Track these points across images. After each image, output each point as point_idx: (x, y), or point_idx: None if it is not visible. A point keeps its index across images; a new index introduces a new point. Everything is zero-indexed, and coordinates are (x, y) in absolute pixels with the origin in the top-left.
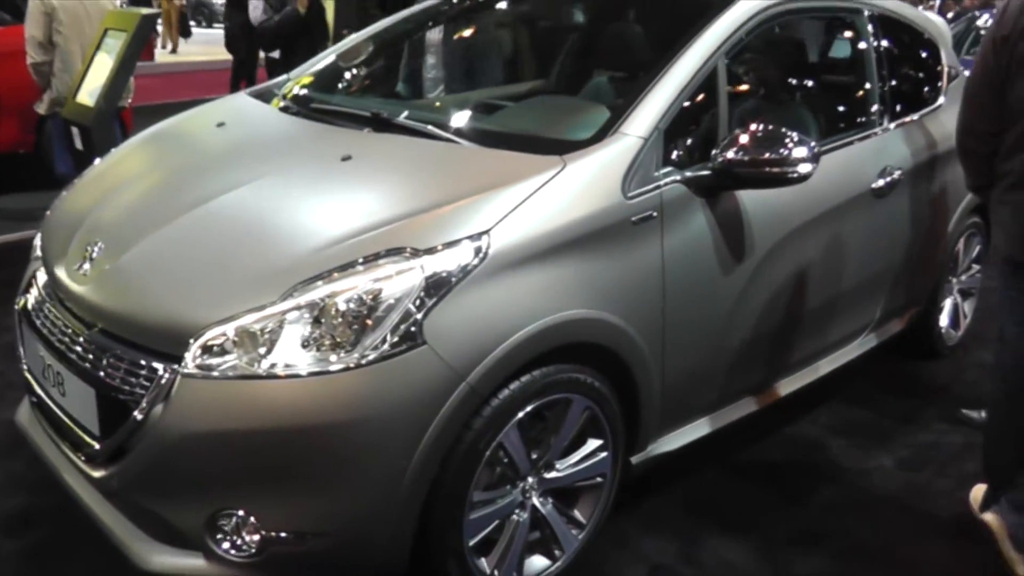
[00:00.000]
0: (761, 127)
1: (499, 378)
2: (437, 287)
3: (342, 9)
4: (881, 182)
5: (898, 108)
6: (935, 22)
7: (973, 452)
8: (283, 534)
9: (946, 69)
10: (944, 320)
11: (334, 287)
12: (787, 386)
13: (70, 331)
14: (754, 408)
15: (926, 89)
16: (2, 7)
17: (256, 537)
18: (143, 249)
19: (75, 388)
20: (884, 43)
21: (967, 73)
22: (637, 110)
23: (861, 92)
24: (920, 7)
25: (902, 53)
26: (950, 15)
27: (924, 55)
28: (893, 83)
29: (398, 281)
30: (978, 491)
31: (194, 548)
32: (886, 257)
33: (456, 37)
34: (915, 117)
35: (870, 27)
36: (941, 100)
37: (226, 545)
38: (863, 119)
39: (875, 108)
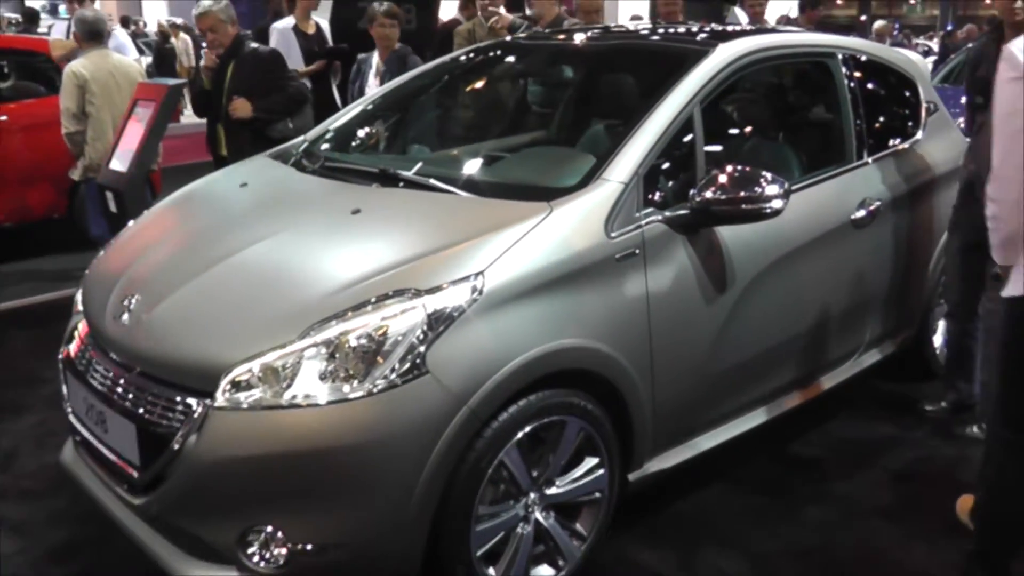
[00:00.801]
0: (735, 168)
1: (497, 402)
2: (438, 322)
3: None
4: (860, 213)
5: (876, 143)
6: (912, 60)
7: (966, 464)
8: (307, 546)
9: (924, 104)
10: (938, 341)
11: (346, 326)
12: (778, 407)
13: (111, 375)
14: (745, 429)
15: (904, 124)
16: (36, 80)
17: (283, 550)
18: (176, 299)
19: (117, 425)
20: (859, 82)
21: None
22: (618, 158)
23: (837, 130)
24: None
25: (878, 91)
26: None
27: (901, 92)
28: (870, 120)
29: (403, 319)
30: (964, 501)
31: (228, 562)
32: (871, 284)
33: (459, 94)
34: (894, 150)
35: (844, 68)
36: (919, 134)
37: (256, 559)
38: (840, 155)
39: (851, 144)
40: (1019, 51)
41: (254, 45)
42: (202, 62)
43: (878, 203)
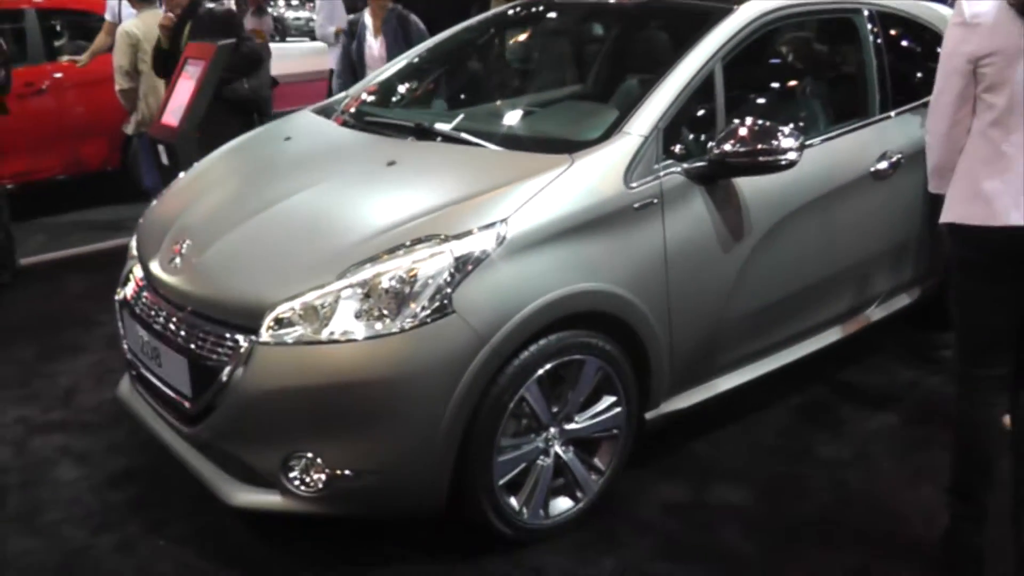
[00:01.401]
0: (753, 122)
1: (518, 341)
2: (464, 266)
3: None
4: (881, 165)
5: (900, 97)
6: (941, 14)
7: None
8: (344, 472)
9: None
10: None
11: (379, 268)
12: (794, 353)
13: (165, 314)
14: (762, 372)
15: (929, 78)
16: (89, 39)
17: (322, 475)
18: (224, 244)
19: (170, 360)
20: (884, 38)
21: None
22: (639, 112)
23: (861, 84)
24: None
25: (904, 46)
26: None
27: (927, 46)
28: (895, 74)
29: (432, 262)
30: None
31: (271, 486)
32: (891, 234)
33: (498, 50)
34: (919, 104)
35: (869, 24)
36: None
37: (297, 482)
38: (864, 109)
39: (875, 99)
40: (966, 2)
41: (210, 5)
42: (160, 21)
43: (899, 156)
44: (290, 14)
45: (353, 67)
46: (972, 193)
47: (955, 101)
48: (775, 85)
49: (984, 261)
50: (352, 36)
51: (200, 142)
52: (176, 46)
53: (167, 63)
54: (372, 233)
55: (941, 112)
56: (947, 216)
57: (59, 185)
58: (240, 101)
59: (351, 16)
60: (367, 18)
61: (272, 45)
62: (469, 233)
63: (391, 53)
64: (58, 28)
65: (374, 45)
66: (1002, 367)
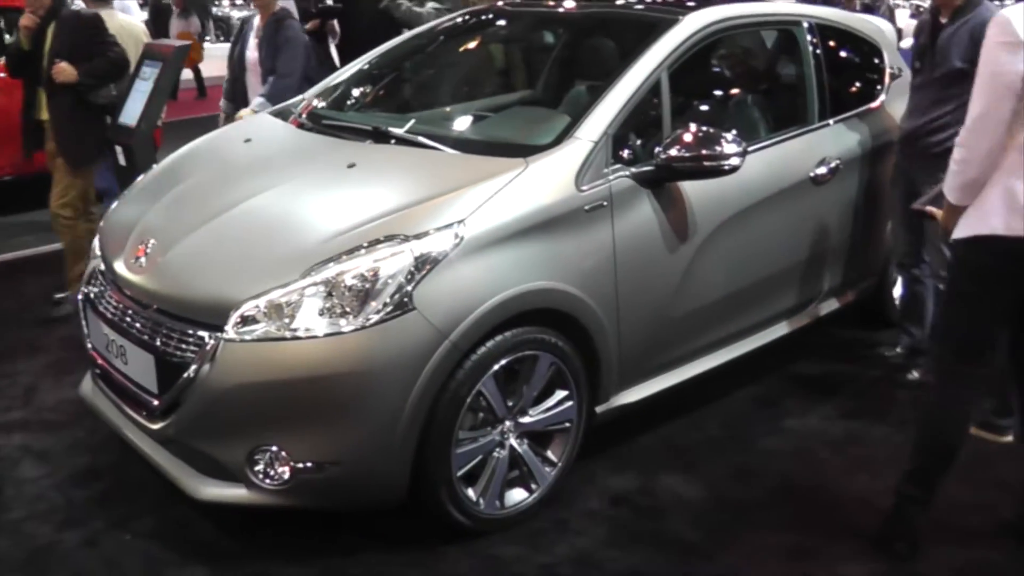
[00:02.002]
0: (697, 128)
1: (476, 337)
2: (424, 265)
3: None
4: (820, 171)
5: (839, 106)
6: (879, 28)
7: (915, 405)
8: (307, 464)
9: (888, 69)
10: (897, 291)
11: (342, 267)
12: (739, 349)
13: (130, 312)
14: (707, 368)
15: (868, 88)
16: None
17: (286, 468)
18: (188, 244)
19: (136, 356)
20: (824, 49)
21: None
22: (589, 118)
23: (801, 93)
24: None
25: (842, 57)
26: None
27: (865, 57)
28: (833, 84)
29: (393, 261)
30: None
31: (236, 480)
32: (830, 237)
33: (450, 56)
34: (857, 112)
35: (809, 36)
36: (882, 97)
37: (262, 476)
38: (803, 117)
39: (814, 107)
40: (1015, 19)
41: (75, 7)
42: (21, 22)
43: (838, 161)
44: (235, 13)
45: (234, 69)
46: (1011, 206)
47: (1005, 120)
48: (718, 93)
49: (1008, 270)
50: (238, 37)
51: (64, 146)
52: (39, 48)
53: (28, 65)
54: (335, 233)
55: (988, 131)
56: (979, 228)
57: (9, 186)
58: (103, 107)
59: (244, 15)
60: (256, 20)
61: (214, 46)
62: (429, 233)
63: (262, 60)
64: (2, 25)
65: (252, 47)
66: (985, 367)
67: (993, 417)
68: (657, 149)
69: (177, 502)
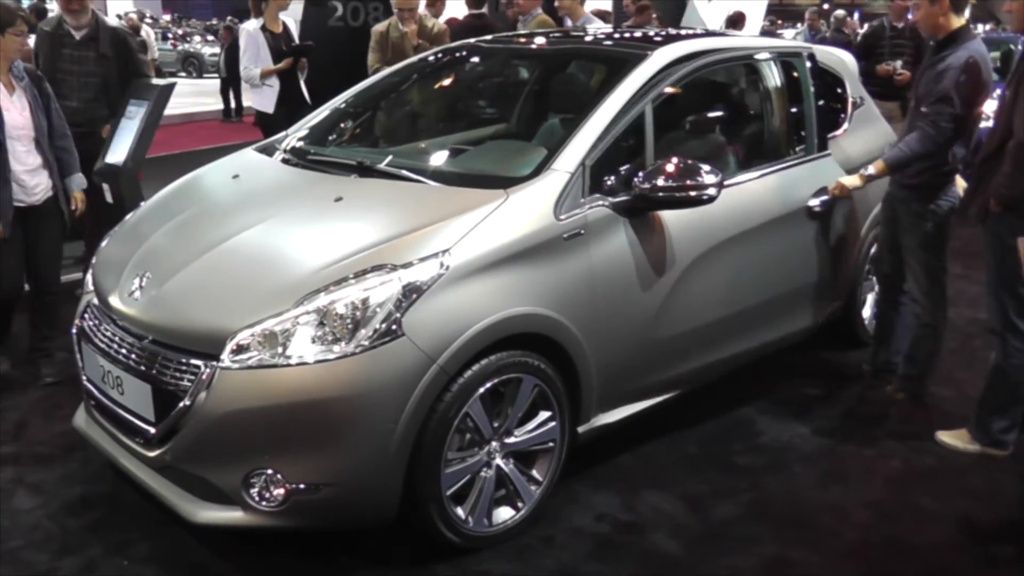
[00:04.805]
0: (675, 160)
1: (462, 361)
2: (412, 293)
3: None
4: (812, 203)
5: (801, 135)
6: (841, 59)
7: (883, 420)
8: (302, 486)
9: (850, 99)
10: (866, 312)
11: (334, 296)
12: (716, 372)
13: (127, 343)
14: (686, 390)
15: (832, 117)
16: None
17: (281, 490)
18: (183, 277)
19: (133, 387)
20: (786, 80)
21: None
22: (565, 150)
23: (767, 126)
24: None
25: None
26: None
27: (828, 88)
28: (791, 117)
29: (382, 290)
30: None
31: (232, 503)
32: (801, 267)
33: (429, 92)
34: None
35: (775, 68)
36: (845, 126)
37: (258, 498)
38: (773, 151)
39: (783, 138)
40: None
41: None
42: None
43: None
44: (207, 50)
45: None
46: None
47: None
48: (687, 124)
49: None
50: None
51: None
52: None
53: None
54: (326, 264)
55: None
56: None
57: None
58: None
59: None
60: None
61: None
62: (415, 263)
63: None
64: None
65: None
66: None
67: (998, 433)
68: (635, 180)
69: (171, 529)
